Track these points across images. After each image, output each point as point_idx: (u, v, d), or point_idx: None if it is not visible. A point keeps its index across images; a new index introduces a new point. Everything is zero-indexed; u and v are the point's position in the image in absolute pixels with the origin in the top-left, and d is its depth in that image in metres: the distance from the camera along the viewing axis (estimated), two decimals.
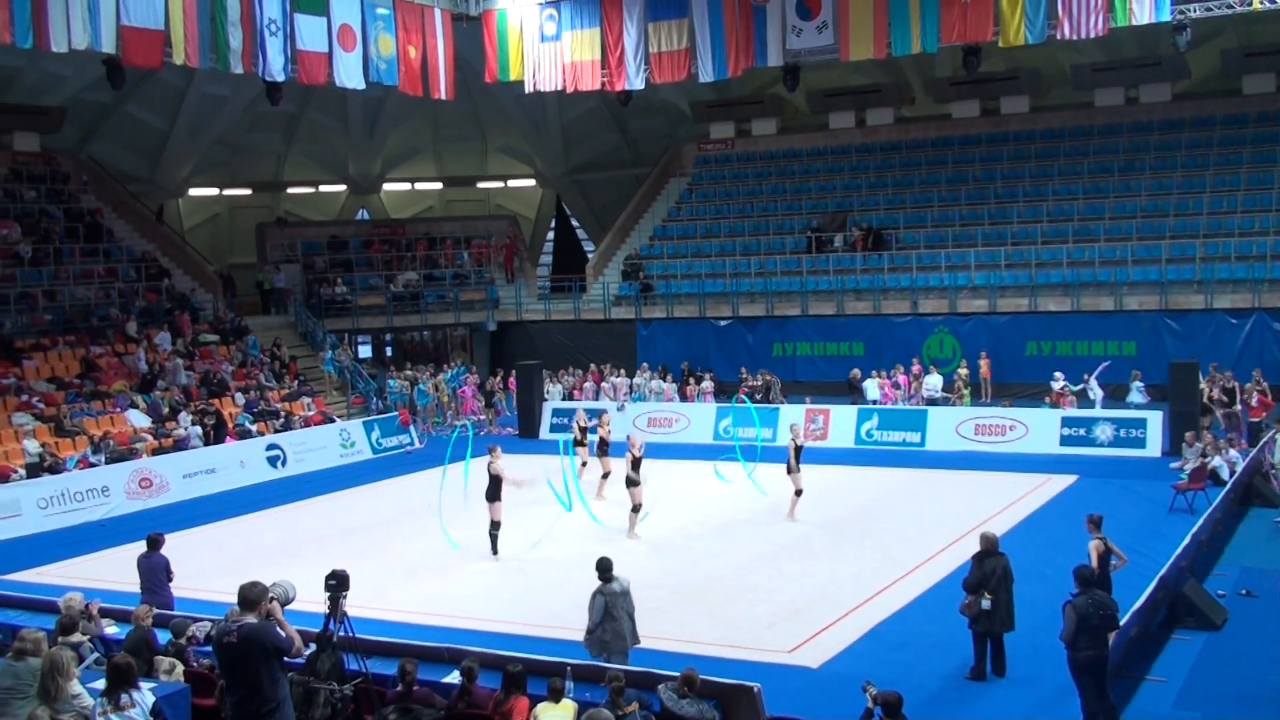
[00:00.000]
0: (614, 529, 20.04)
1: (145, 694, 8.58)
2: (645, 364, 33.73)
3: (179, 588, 14.73)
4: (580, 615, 15.01)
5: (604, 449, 23.01)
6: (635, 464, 19.56)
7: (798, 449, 20.39)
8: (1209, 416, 25.08)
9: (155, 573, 14.13)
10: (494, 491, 18.44)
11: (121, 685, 8.41)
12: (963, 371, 30.22)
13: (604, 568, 12.25)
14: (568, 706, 9.47)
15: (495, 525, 18.58)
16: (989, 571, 12.31)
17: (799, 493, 20.36)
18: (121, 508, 23.54)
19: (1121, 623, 11.23)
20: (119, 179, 37.91)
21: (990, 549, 12.46)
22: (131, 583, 14.58)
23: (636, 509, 19.67)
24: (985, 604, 12.24)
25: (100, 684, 9.24)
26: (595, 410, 26.20)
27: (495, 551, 18.58)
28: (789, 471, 20.29)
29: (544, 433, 30.35)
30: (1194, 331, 30.26)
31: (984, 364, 30.96)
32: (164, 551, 14.30)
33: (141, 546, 14.42)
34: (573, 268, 44.63)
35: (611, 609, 11.98)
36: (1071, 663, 10.91)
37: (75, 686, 8.52)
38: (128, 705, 8.36)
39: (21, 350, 28.33)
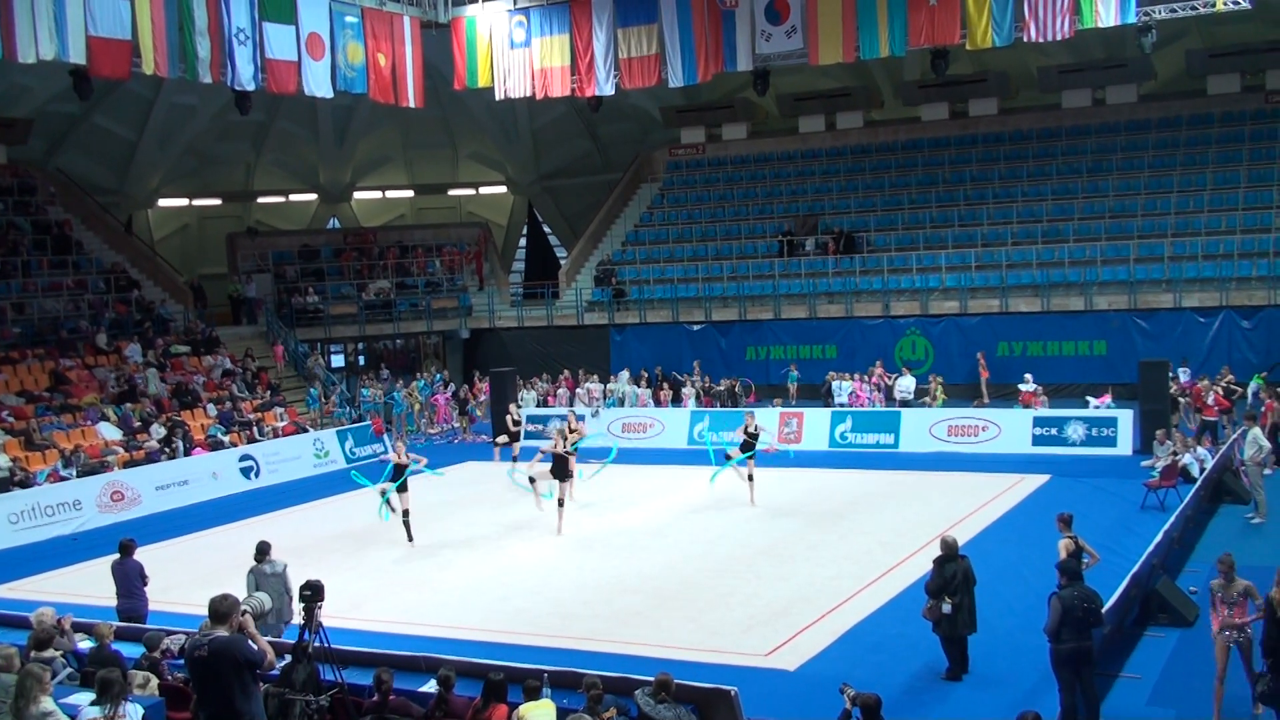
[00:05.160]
0: (587, 535, 20.09)
1: (136, 708, 8.53)
2: (627, 369, 33.61)
3: (153, 600, 14.64)
4: (559, 623, 15.13)
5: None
6: (558, 458, 20.35)
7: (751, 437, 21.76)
8: (1178, 414, 25.26)
9: (130, 578, 14.09)
10: (402, 483, 19.85)
11: (118, 693, 8.38)
12: (939, 394, 29.67)
13: (260, 550, 13.47)
14: (548, 704, 9.48)
15: (405, 513, 19.93)
16: (949, 576, 12.36)
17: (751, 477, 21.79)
18: (93, 521, 23.34)
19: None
20: (87, 190, 37.62)
21: (950, 553, 12.52)
22: (104, 596, 14.50)
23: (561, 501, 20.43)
24: (946, 608, 12.31)
25: (74, 699, 9.20)
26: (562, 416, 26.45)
27: (410, 538, 19.83)
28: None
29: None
30: (1163, 330, 30.51)
31: (981, 365, 30.68)
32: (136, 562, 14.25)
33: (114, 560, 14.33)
34: (545, 274, 44.63)
35: (261, 587, 12.83)
36: (1053, 655, 10.98)
37: (48, 704, 8.44)
38: (122, 716, 8.33)
39: None
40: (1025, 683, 12.30)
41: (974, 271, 34.19)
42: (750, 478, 21.77)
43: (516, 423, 25.94)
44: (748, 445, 21.77)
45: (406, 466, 19.97)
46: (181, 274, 38.75)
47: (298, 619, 9.82)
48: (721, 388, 31.78)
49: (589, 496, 22.56)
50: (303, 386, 33.53)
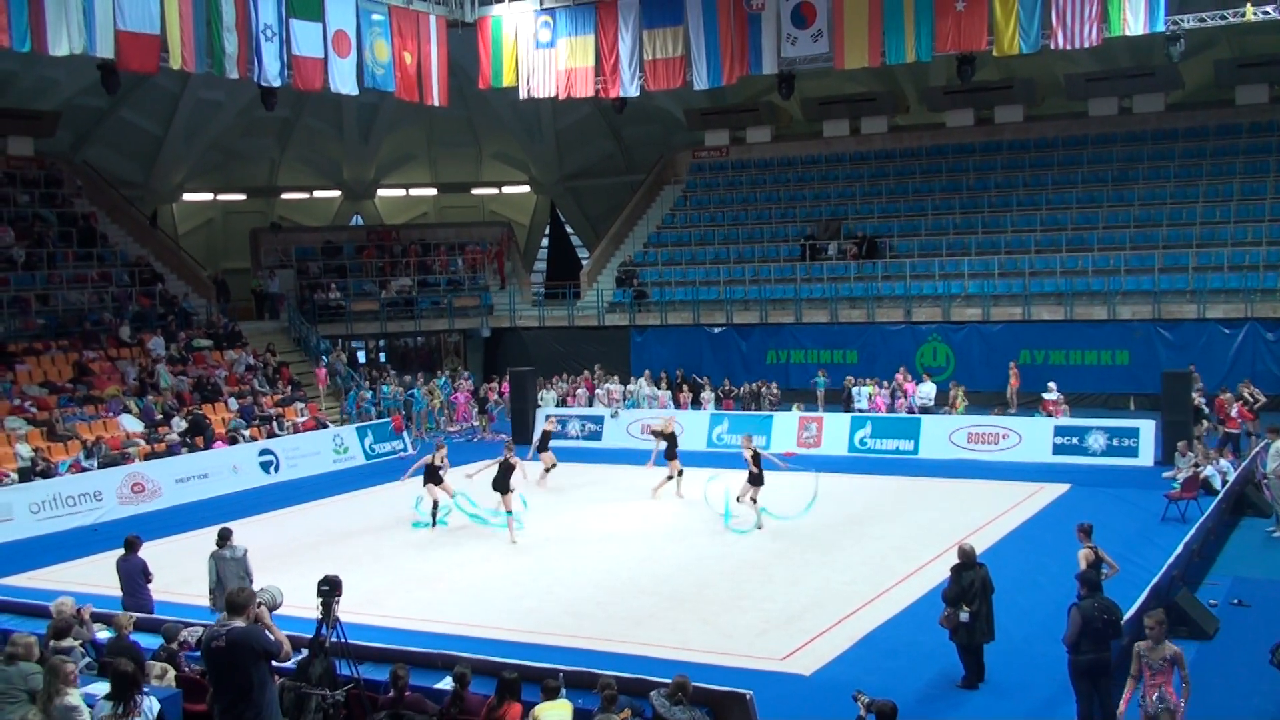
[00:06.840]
0: (601, 536, 20.09)
1: (152, 701, 8.55)
2: (648, 371, 33.54)
3: (171, 592, 14.74)
4: (575, 622, 15.15)
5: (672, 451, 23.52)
6: (506, 470, 20.42)
7: (755, 457, 20.68)
8: (1200, 426, 25.10)
9: (133, 575, 14.15)
10: (432, 476, 21.05)
11: (132, 691, 8.38)
12: (960, 401, 29.08)
13: (222, 536, 14.04)
14: (565, 705, 9.48)
15: (435, 505, 21.05)
16: (967, 584, 12.29)
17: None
18: (114, 512, 23.48)
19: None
20: (113, 183, 37.85)
21: (968, 561, 12.45)
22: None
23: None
24: (964, 616, 12.25)
25: (91, 688, 9.23)
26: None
27: (434, 524, 21.01)
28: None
29: (537, 439, 30.27)
30: (1187, 341, 30.31)
31: (1013, 374, 30.29)
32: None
33: None
34: (567, 274, 44.67)
35: (221, 571, 13.58)
36: (1072, 666, 10.91)
37: (74, 698, 8.46)
38: (135, 711, 8.33)
39: (14, 354, 28.25)
40: (1042, 693, 12.25)
41: (997, 279, 34.06)
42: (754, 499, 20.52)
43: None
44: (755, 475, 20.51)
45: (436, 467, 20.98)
46: (205, 268, 38.98)
47: (315, 613, 9.83)
48: (744, 391, 31.71)
49: (605, 495, 22.62)
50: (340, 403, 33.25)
